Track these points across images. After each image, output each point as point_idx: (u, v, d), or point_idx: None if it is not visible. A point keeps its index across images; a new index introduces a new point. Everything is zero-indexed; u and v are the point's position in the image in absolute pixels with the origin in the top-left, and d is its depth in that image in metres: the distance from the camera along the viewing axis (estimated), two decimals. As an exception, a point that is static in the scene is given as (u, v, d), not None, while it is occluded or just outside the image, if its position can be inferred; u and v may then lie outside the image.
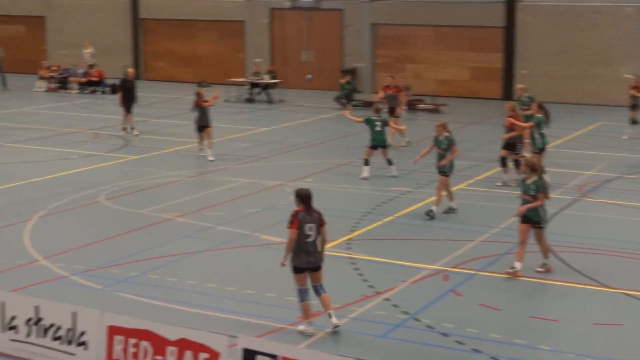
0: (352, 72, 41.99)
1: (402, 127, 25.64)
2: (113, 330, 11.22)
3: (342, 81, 38.70)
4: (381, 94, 29.73)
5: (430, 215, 18.83)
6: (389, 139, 27.25)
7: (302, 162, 25.26)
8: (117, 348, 11.16)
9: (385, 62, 42.87)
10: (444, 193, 19.20)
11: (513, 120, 21.73)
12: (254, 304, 13.85)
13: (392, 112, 28.68)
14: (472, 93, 40.97)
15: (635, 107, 29.49)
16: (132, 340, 11.10)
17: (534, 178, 15.17)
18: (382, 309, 13.67)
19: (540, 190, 15.08)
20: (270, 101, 39.18)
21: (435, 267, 15.70)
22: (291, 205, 19.85)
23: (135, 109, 30.20)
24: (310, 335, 12.57)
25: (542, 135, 21.55)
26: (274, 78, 40.00)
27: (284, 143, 28.44)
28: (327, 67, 43.91)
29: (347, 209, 19.79)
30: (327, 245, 16.62)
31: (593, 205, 20.49)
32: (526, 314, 13.60)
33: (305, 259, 12.52)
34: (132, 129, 29.83)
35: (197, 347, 10.76)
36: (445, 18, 41.02)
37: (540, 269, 15.43)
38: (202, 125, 25.35)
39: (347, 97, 37.97)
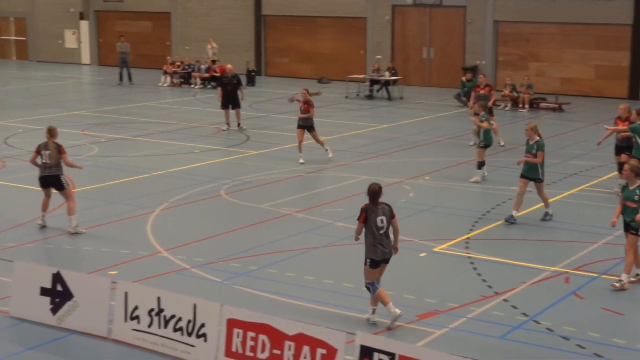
0: (474, 69, 41.57)
1: (483, 125, 24.47)
2: (232, 323, 11.36)
3: (463, 79, 38.31)
4: (472, 96, 29.26)
5: (510, 221, 18.19)
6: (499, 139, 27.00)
7: (421, 160, 25.14)
8: (236, 341, 11.30)
9: (507, 60, 42.33)
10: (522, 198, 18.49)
11: (619, 127, 20.76)
12: (371, 301, 13.82)
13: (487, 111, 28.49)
14: (597, 92, 40.09)
15: None
16: (251, 334, 11.22)
17: (638, 183, 14.63)
18: (501, 309, 13.49)
19: None
20: (390, 98, 39.12)
21: (556, 268, 15.41)
22: (410, 203, 19.89)
23: (257, 104, 30.40)
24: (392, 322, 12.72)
25: None
26: (394, 75, 39.90)
27: (403, 140, 28.35)
28: (448, 65, 43.62)
29: (466, 207, 19.60)
30: (445, 245, 16.64)
31: None
32: (650, 320, 13.24)
33: (381, 251, 12.76)
34: (238, 124, 29.97)
35: (315, 343, 10.81)
36: (570, 15, 40.22)
37: (633, 279, 14.80)
38: (303, 126, 24.65)
39: (468, 95, 37.57)
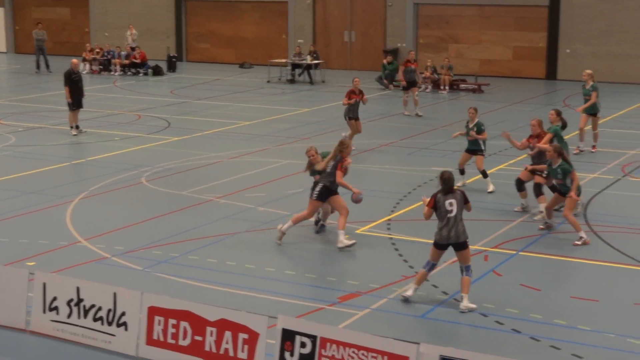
0: (395, 52, 41.85)
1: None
2: (153, 311, 11.28)
3: (385, 61, 38.55)
4: (401, 69, 30.71)
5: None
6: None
7: (343, 143, 25.17)
8: (157, 329, 11.24)
9: (428, 42, 42.64)
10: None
11: (541, 145, 17.65)
12: (294, 285, 13.88)
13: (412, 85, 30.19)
14: (515, 73, 40.66)
15: None
16: (172, 321, 11.16)
17: (560, 162, 15.87)
18: (422, 289, 13.59)
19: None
20: (311, 82, 39.16)
21: (475, 247, 15.60)
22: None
23: (178, 90, 30.01)
24: (406, 300, 13.06)
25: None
26: (316, 59, 39.94)
27: (325, 124, 28.41)
28: (370, 48, 43.79)
29: (388, 189, 19.74)
30: (367, 227, 16.75)
31: (636, 185, 20.27)
32: (566, 294, 13.50)
33: (446, 234, 12.84)
34: (76, 127, 26.48)
35: (237, 328, 10.80)
36: (488, -3, 40.75)
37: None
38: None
39: (389, 77, 37.83)
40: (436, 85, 36.80)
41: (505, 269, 14.51)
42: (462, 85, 37.07)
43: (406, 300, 13.05)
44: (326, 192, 15.79)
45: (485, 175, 19.76)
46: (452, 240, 12.84)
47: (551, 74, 39.73)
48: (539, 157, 17.61)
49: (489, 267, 14.62)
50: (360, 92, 24.18)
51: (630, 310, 12.98)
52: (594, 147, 23.85)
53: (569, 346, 11.60)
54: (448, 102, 33.53)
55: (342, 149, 16.00)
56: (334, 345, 10.25)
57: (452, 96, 35.11)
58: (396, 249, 15.60)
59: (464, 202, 12.99)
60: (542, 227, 16.71)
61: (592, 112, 23.69)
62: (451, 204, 12.83)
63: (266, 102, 33.52)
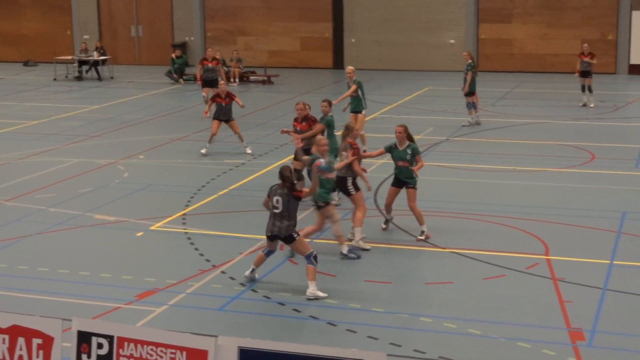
0: (183, 46, 41.70)
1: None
2: (-62, 323, 10.83)
3: (173, 55, 38.34)
4: (199, 68, 29.45)
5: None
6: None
7: (134, 139, 24.92)
8: (-56, 341, 10.79)
9: (216, 35, 42.71)
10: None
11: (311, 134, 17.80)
12: (89, 285, 13.64)
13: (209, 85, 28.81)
14: (303, 63, 41.34)
15: (587, 74, 29.32)
16: (-40, 332, 10.75)
17: (407, 143, 15.87)
18: (219, 282, 13.69)
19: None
20: (100, 78, 38.47)
21: (270, 237, 15.79)
22: (125, 183, 19.80)
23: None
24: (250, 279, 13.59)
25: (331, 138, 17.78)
26: (103, 54, 39.23)
27: (115, 120, 27.99)
28: (157, 42, 43.46)
29: (181, 183, 19.68)
30: (162, 223, 16.66)
31: (421, 169, 20.93)
32: (361, 278, 13.87)
33: (270, 228, 13.24)
34: None
35: (30, 333, 10.50)
36: (273, -11, 41.21)
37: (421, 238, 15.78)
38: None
39: (179, 71, 37.67)
40: (227, 77, 36.86)
41: (300, 257, 14.69)
42: (252, 77, 37.38)
43: (251, 279, 13.58)
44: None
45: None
46: (275, 232, 13.20)
47: (338, 63, 40.63)
48: (309, 143, 17.25)
49: (285, 256, 14.83)
50: (228, 96, 22.65)
51: (422, 290, 13.50)
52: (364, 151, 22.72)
53: (364, 328, 11.93)
54: (238, 94, 33.65)
55: (347, 134, 15.57)
56: (132, 344, 10.14)
57: (242, 88, 35.31)
58: (192, 243, 15.59)
59: (293, 199, 13.11)
60: (384, 226, 16.32)
61: (357, 109, 22.33)
62: (277, 201, 13.12)
63: (54, 100, 32.69)
